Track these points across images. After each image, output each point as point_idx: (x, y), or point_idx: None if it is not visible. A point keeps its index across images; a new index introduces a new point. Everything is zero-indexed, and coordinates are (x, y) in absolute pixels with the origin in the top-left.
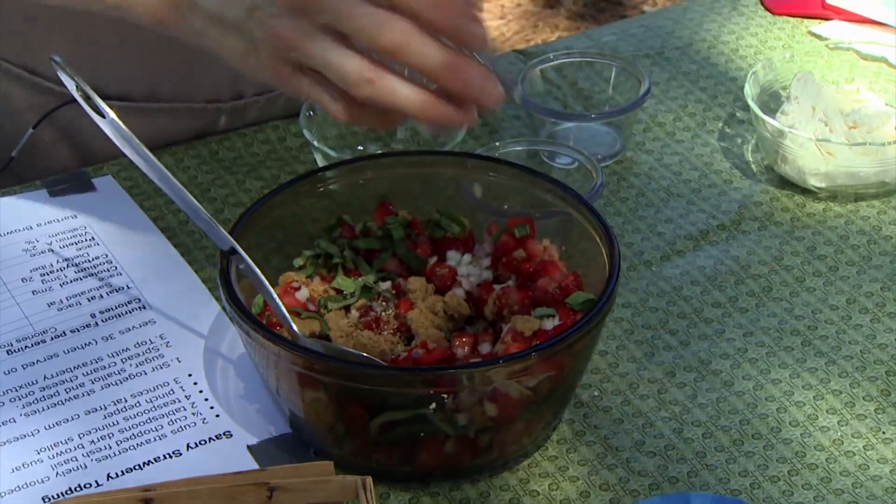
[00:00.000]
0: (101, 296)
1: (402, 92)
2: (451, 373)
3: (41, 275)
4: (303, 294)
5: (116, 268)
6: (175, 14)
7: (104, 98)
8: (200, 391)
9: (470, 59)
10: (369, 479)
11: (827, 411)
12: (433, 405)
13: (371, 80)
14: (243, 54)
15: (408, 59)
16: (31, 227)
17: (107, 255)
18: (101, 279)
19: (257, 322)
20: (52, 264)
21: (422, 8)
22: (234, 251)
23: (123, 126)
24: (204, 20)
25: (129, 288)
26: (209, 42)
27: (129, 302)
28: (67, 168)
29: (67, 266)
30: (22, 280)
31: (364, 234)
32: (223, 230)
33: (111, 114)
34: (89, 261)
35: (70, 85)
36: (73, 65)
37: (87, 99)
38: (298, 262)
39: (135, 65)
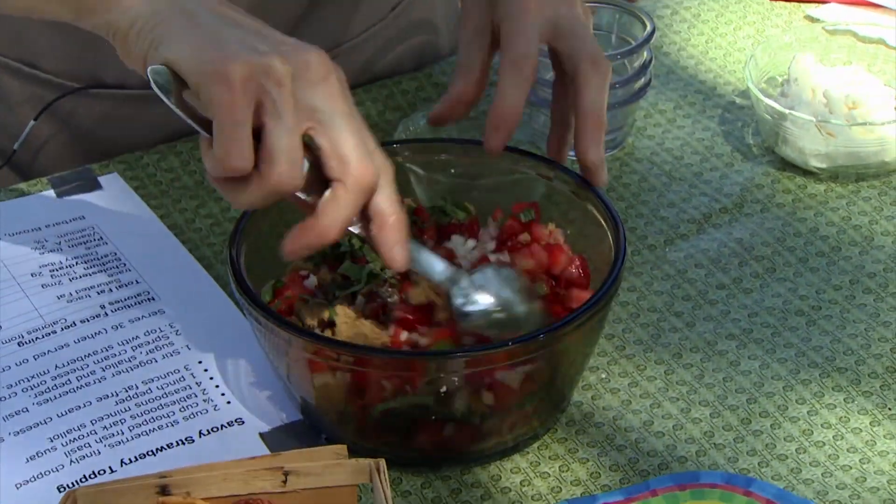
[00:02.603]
0: (111, 289)
1: (251, 195)
2: (450, 357)
3: (50, 271)
4: (311, 282)
5: (125, 264)
6: None
7: (103, 88)
8: (211, 378)
9: None
10: (383, 462)
11: (833, 388)
12: (441, 389)
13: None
14: (198, 46)
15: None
16: (40, 228)
17: (115, 254)
18: (111, 275)
19: (266, 308)
20: (60, 261)
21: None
22: None
23: None
24: None
25: (137, 283)
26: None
27: (139, 294)
28: (68, 160)
29: (77, 263)
30: (31, 275)
31: None
32: None
33: None
34: (98, 258)
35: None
36: (70, 57)
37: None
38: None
39: None
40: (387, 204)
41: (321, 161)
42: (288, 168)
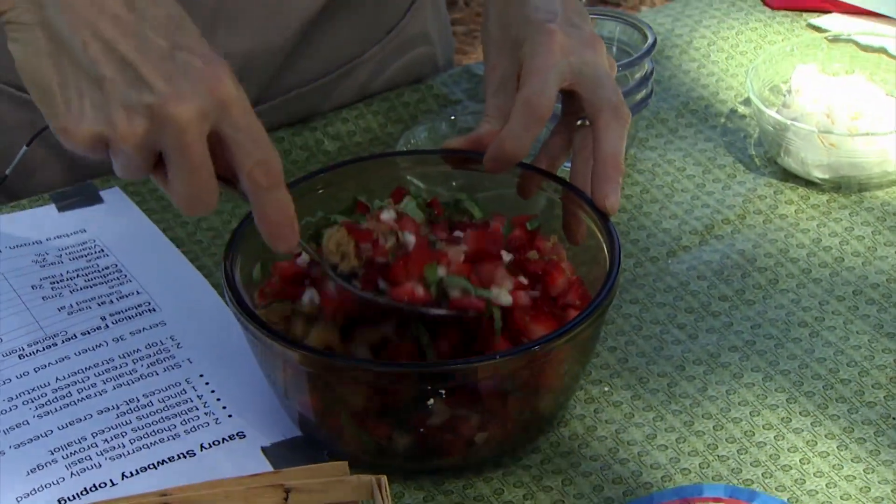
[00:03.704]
0: (112, 301)
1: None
2: (447, 368)
3: (51, 283)
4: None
5: (126, 276)
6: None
7: None
8: (213, 391)
9: None
10: (384, 479)
11: (836, 400)
12: (430, 401)
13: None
14: (61, 84)
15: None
16: (41, 241)
17: (116, 265)
18: (111, 286)
19: (262, 323)
20: (61, 274)
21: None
22: None
23: None
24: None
25: (139, 293)
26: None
27: (140, 305)
28: (60, 185)
29: (77, 276)
30: (32, 287)
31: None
32: None
33: None
34: (99, 271)
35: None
36: None
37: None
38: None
39: None
40: (240, 124)
41: None
42: None
